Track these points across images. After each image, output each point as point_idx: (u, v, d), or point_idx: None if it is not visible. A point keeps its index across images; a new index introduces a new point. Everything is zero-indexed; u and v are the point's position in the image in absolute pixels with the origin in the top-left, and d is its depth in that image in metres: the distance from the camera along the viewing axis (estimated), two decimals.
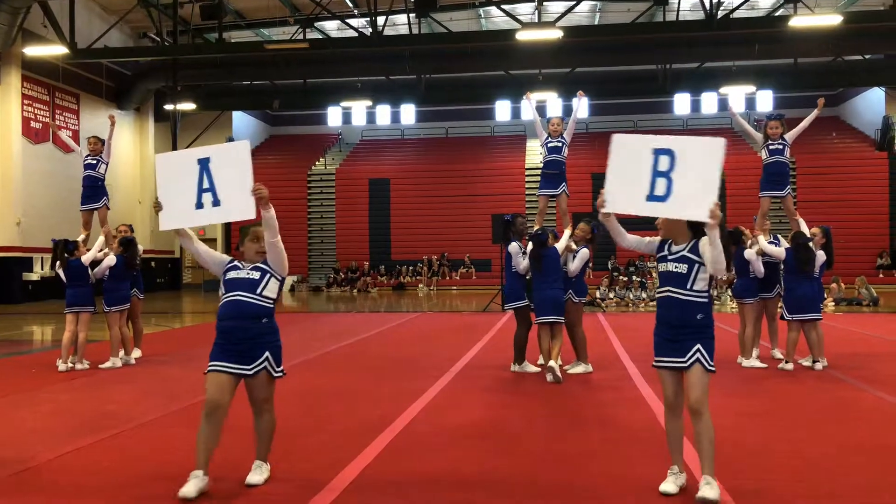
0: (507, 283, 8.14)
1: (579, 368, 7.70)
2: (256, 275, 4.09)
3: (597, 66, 24.36)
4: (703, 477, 3.71)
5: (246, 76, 26.33)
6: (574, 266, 7.73)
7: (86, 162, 9.09)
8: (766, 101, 30.28)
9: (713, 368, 3.79)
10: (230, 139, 30.45)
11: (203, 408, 3.93)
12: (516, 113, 31.72)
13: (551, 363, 7.22)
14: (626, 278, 19.82)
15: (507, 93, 26.86)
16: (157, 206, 4.20)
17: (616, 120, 31.31)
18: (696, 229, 3.84)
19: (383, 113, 32.35)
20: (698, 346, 3.76)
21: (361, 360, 9.11)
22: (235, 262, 4.17)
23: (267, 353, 4.01)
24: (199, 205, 4.00)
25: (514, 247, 7.95)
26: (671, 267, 3.86)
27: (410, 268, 27.35)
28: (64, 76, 23.36)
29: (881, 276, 24.89)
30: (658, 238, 4.06)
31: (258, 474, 4.06)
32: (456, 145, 31.12)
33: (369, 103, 27.96)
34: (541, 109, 31.01)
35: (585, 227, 7.99)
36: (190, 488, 3.76)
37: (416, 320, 14.69)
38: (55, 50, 19.75)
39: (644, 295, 19.06)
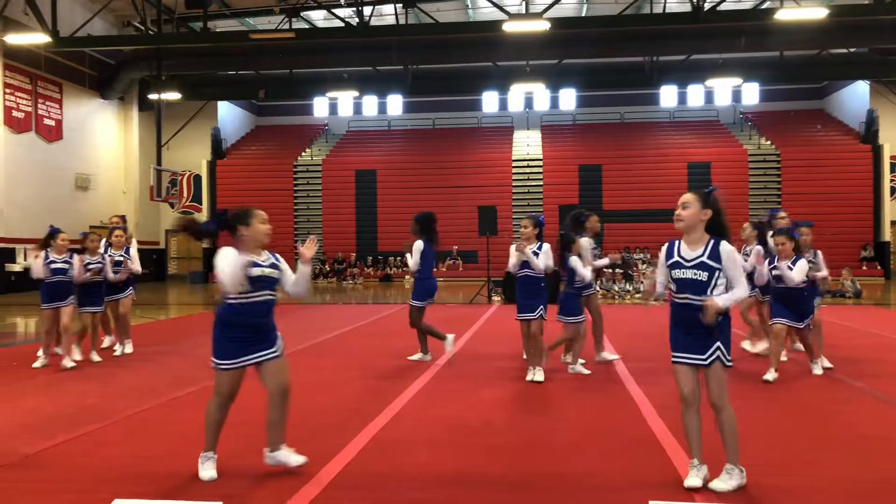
0: (562, 295, 7.35)
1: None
2: (276, 273, 4.16)
3: (584, 57, 24.35)
4: (725, 465, 3.82)
5: (231, 65, 26.11)
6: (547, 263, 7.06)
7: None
8: (752, 93, 30.40)
9: (731, 363, 3.86)
10: (216, 129, 30.24)
11: (216, 398, 4.10)
12: (503, 104, 31.67)
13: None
14: (611, 270, 19.88)
15: (494, 84, 26.80)
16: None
17: (602, 112, 31.37)
18: (714, 230, 3.89)
19: (370, 104, 32.20)
20: (718, 343, 3.80)
21: (347, 353, 9.10)
22: (253, 259, 4.03)
23: (279, 337, 4.20)
24: None
25: (585, 242, 7.47)
26: (690, 274, 3.81)
27: (398, 259, 27.31)
28: (46, 65, 23.08)
29: (864, 268, 25.13)
30: (661, 251, 4.06)
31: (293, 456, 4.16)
32: (443, 136, 31.05)
33: (356, 94, 27.81)
34: (528, 101, 31.04)
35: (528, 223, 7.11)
36: (212, 471, 4.00)
37: (402, 312, 14.66)
38: (37, 38, 19.46)
39: (629, 287, 19.14)
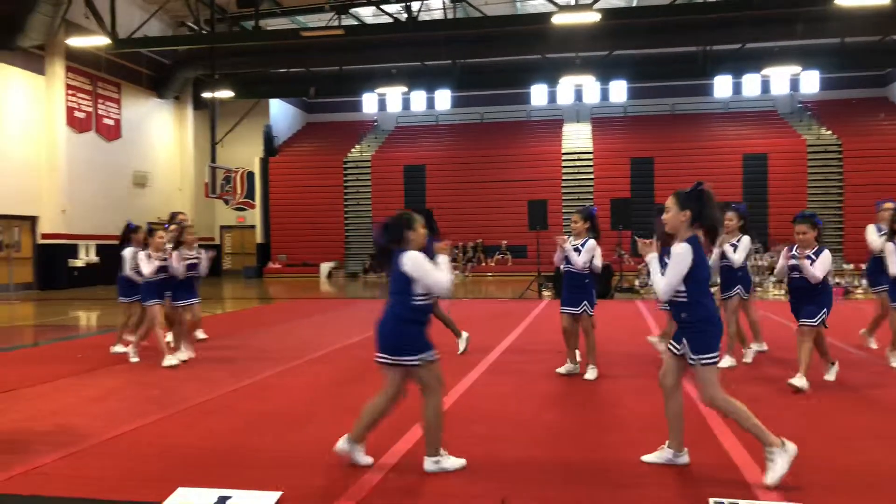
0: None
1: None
2: None
3: (635, 48, 23.96)
4: (764, 451, 3.85)
5: (282, 63, 26.48)
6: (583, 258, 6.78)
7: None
8: (811, 81, 29.47)
9: (710, 360, 3.92)
10: (268, 127, 30.74)
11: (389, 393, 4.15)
12: (553, 97, 31.39)
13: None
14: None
15: (543, 77, 26.59)
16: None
17: (654, 104, 30.81)
18: (704, 226, 3.99)
19: (418, 99, 32.29)
20: (684, 339, 3.99)
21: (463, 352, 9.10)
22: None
23: None
24: None
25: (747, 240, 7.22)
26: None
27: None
28: (106, 66, 23.77)
29: None
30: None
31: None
32: (491, 130, 30.95)
33: (404, 89, 27.93)
34: (578, 94, 30.72)
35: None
36: (367, 457, 4.18)
37: (451, 307, 14.68)
38: (97, 41, 20.09)
39: None
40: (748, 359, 7.44)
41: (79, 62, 22.31)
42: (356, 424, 4.20)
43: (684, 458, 4.17)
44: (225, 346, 9.21)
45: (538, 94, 31.33)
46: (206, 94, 26.06)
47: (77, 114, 22.43)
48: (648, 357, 7.71)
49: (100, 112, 23.64)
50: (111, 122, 24.28)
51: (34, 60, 20.98)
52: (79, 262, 22.06)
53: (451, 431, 4.92)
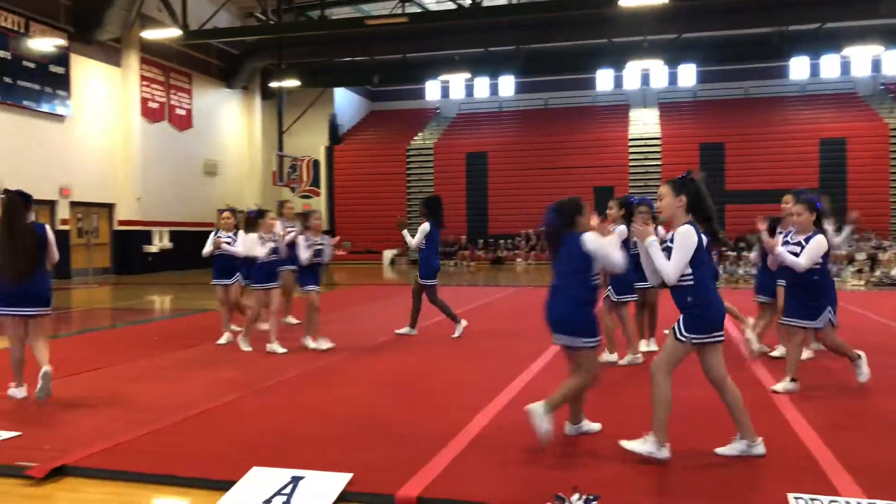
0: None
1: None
2: None
3: (706, 30, 23.22)
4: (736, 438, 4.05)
5: (347, 52, 26.71)
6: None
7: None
8: (895, 62, 28.02)
9: (682, 338, 3.97)
10: (333, 115, 31.11)
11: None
12: (618, 82, 30.77)
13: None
14: (734, 253, 18.99)
15: (608, 61, 26.08)
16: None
17: (725, 87, 29.84)
18: (697, 213, 4.07)
19: (481, 85, 32.13)
20: (679, 318, 4.04)
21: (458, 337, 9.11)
22: None
23: None
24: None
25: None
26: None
27: (509, 242, 27.22)
28: (177, 57, 24.44)
29: None
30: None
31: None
32: (555, 116, 30.55)
33: (468, 76, 27.82)
34: (645, 78, 30.02)
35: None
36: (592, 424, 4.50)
37: (513, 296, 14.60)
38: (170, 33, 20.69)
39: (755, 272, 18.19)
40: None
41: (152, 54, 23.00)
42: (571, 409, 4.44)
43: (759, 449, 4.03)
44: (296, 330, 9.36)
45: (604, 78, 30.76)
46: (274, 84, 26.54)
47: (151, 104, 23.15)
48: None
49: (172, 102, 24.33)
50: (183, 112, 24.97)
51: (111, 53, 21.74)
52: (153, 248, 22.84)
53: (521, 417, 4.88)
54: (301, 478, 3.66)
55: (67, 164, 20.09)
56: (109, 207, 22.08)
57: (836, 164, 25.95)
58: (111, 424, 4.81)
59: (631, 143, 28.29)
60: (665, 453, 3.95)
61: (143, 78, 22.68)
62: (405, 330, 8.83)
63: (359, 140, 32.01)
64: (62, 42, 19.85)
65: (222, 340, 8.16)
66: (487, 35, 23.24)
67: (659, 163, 27.61)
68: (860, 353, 5.75)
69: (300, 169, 26.94)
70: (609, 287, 6.79)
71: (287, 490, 3.54)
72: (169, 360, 7.38)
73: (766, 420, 4.71)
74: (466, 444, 4.30)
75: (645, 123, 29.35)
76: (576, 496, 3.35)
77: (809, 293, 5.47)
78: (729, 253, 18.84)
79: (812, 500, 3.36)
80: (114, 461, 4.03)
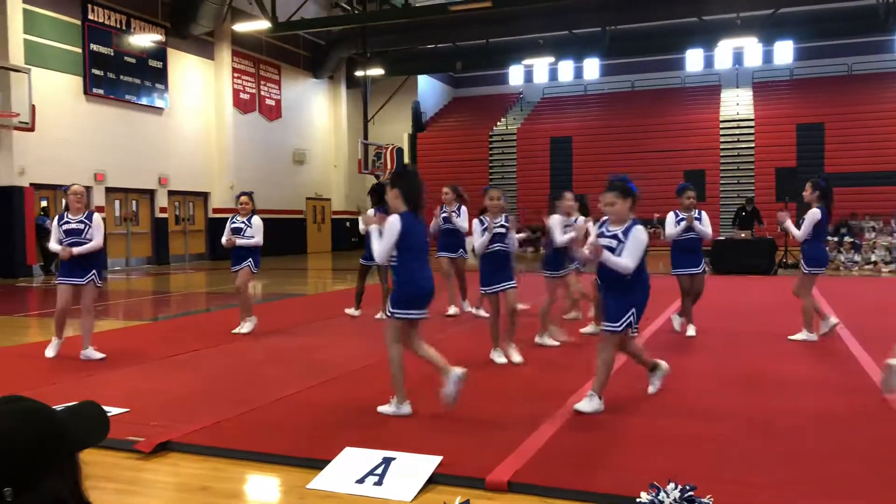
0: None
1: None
2: None
3: (803, 4, 22.05)
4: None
5: (430, 39, 26.78)
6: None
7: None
8: None
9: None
10: (416, 103, 31.31)
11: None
12: (709, 62, 29.65)
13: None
14: (836, 239, 18.03)
15: (699, 41, 25.13)
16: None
17: (826, 64, 28.28)
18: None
19: (565, 69, 31.61)
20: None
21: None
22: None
23: None
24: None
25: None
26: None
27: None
28: (267, 49, 25.13)
29: None
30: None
31: None
32: (642, 99, 29.74)
33: (552, 60, 27.41)
34: (737, 57, 28.79)
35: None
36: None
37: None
38: (259, 25, 21.29)
39: (858, 258, 17.25)
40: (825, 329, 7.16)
41: (243, 46, 23.73)
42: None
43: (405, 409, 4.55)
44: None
45: (693, 59, 29.71)
46: (358, 73, 26.92)
47: (242, 95, 23.91)
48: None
49: (262, 93, 25.06)
50: (272, 103, 25.68)
51: (205, 47, 22.56)
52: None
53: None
54: (392, 459, 3.70)
55: (165, 155, 21.03)
56: (204, 196, 22.99)
57: None
58: (211, 403, 5.01)
59: (722, 124, 27.25)
60: None
61: (234, 70, 23.44)
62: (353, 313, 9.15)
63: (442, 127, 32.11)
64: (160, 37, 20.74)
65: (244, 330, 8.00)
66: (572, 17, 22.82)
67: (752, 145, 26.50)
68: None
69: (384, 157, 27.26)
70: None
71: (379, 471, 3.59)
72: (263, 341, 7.62)
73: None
74: (556, 429, 4.26)
75: (737, 104, 28.21)
76: (671, 486, 3.26)
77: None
78: (830, 238, 17.88)
79: None
80: (214, 438, 4.20)
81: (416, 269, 4.58)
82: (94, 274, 6.57)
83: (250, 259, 8.12)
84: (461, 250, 9.14)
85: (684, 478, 3.29)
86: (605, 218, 4.81)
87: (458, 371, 4.46)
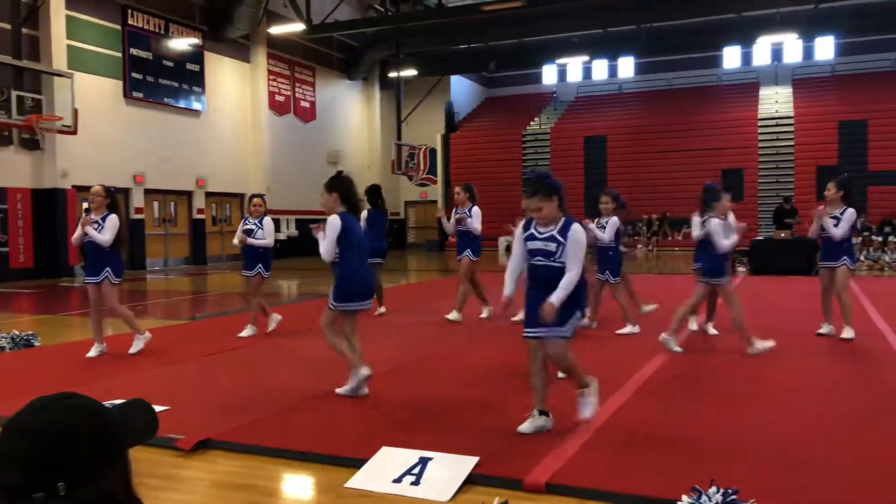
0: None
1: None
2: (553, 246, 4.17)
3: None
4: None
5: (463, 39, 26.78)
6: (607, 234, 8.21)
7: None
8: None
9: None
10: (449, 103, 31.33)
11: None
12: (747, 59, 29.17)
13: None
14: (880, 239, 17.60)
15: (736, 37, 24.79)
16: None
17: (870, 60, 27.61)
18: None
19: (600, 68, 31.36)
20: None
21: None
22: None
23: None
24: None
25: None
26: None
27: (629, 228, 26.46)
28: (301, 51, 25.36)
29: None
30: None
31: None
32: (678, 97, 29.36)
33: (586, 58, 27.21)
34: (776, 54, 28.21)
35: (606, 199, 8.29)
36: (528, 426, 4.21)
37: (634, 282, 14.14)
38: (295, 27, 21.51)
39: None
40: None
41: (278, 49, 23.97)
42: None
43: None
44: (423, 311, 9.51)
45: (731, 56, 29.27)
46: (392, 74, 27.03)
47: (277, 97, 24.16)
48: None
49: (297, 95, 25.30)
50: (307, 105, 25.91)
51: (241, 50, 22.85)
52: (280, 236, 23.85)
53: (648, 406, 4.71)
54: (429, 459, 3.69)
55: (202, 157, 21.34)
56: (240, 197, 23.27)
57: None
58: (249, 402, 5.05)
59: (761, 122, 26.78)
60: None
61: (270, 72, 23.70)
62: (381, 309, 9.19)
63: (475, 127, 32.07)
64: (197, 41, 21.05)
65: (249, 332, 7.92)
66: (606, 15, 22.63)
67: (791, 143, 25.98)
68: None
69: (417, 157, 27.34)
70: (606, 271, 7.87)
71: (416, 470, 3.58)
72: (299, 340, 7.67)
73: None
74: (593, 431, 4.21)
75: (776, 102, 27.69)
76: (713, 489, 3.19)
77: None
78: (874, 238, 17.47)
79: None
80: (252, 436, 4.23)
81: (357, 265, 5.06)
82: (107, 272, 6.76)
83: (260, 265, 8.13)
84: (467, 251, 8.69)
85: (726, 482, 3.22)
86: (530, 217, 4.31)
87: (364, 371, 4.95)
